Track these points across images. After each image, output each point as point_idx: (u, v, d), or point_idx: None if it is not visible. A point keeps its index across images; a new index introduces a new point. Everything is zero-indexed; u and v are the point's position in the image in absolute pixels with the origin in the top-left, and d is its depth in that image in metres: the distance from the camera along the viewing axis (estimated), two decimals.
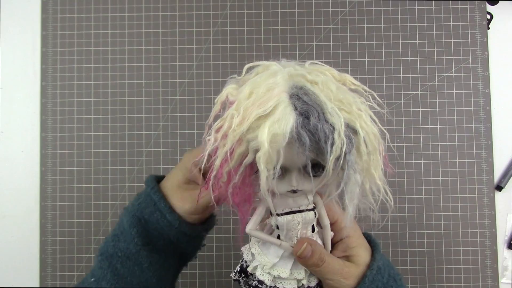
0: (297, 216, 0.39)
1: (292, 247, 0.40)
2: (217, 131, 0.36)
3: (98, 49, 0.74)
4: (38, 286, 0.72)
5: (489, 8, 0.75)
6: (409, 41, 0.74)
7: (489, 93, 0.73)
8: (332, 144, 0.33)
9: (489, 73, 0.74)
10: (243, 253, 0.43)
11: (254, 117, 0.33)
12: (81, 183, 0.73)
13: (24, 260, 0.72)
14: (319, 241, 0.41)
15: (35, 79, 0.74)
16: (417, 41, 0.74)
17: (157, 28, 0.74)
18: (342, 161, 0.34)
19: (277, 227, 0.40)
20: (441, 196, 0.72)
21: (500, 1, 0.74)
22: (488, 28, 0.74)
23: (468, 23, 0.74)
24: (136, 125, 0.73)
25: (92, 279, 0.43)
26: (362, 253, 0.42)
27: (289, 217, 0.39)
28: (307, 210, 0.39)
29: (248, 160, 0.35)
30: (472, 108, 0.73)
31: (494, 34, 0.74)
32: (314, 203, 0.40)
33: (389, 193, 0.38)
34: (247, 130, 0.34)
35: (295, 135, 0.32)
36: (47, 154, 0.73)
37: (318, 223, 0.42)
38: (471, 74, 0.74)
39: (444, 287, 0.71)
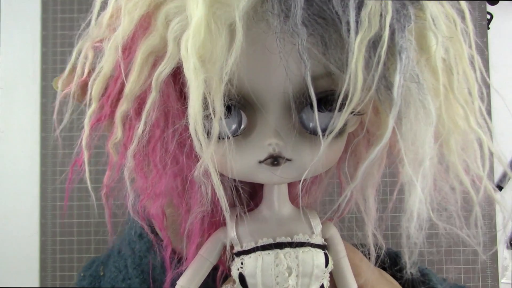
0: (286, 255, 0.19)
1: None
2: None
3: None
4: (38, 286, 0.72)
5: (489, 8, 0.74)
6: None
7: (489, 93, 0.73)
8: (361, 6, 0.15)
9: (489, 73, 0.74)
10: None
11: None
12: (81, 183, 0.73)
13: (24, 260, 0.72)
14: None
15: (35, 79, 0.74)
16: None
17: None
18: (385, 49, 0.16)
19: (243, 281, 0.20)
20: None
21: (500, 1, 0.74)
22: (488, 28, 0.74)
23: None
24: None
25: None
26: None
27: (268, 256, 0.19)
28: (308, 244, 0.20)
29: (165, 68, 0.18)
30: None
31: (494, 34, 0.74)
32: (325, 238, 0.21)
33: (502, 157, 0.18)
34: None
35: None
36: (47, 154, 0.73)
37: (332, 281, 0.22)
38: None
39: None
